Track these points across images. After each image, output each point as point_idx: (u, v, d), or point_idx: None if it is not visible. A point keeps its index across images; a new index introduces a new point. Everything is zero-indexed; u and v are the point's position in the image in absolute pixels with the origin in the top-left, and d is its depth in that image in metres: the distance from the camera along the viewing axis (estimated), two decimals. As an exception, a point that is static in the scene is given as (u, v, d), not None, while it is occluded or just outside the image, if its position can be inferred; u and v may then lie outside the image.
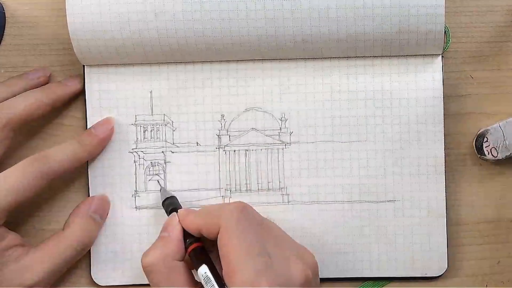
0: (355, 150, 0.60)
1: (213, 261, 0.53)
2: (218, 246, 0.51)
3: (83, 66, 0.60)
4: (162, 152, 0.61)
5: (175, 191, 0.60)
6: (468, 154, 0.61)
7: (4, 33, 0.61)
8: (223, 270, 0.50)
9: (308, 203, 0.60)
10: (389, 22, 0.56)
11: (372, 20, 0.56)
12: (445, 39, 0.60)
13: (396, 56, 0.60)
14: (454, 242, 0.61)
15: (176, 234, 0.55)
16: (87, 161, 0.60)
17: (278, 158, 0.60)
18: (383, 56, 0.60)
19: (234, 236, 0.51)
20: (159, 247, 0.54)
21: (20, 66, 0.61)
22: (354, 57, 0.60)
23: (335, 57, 0.60)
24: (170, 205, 0.58)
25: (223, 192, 0.60)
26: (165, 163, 0.61)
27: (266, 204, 0.60)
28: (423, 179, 0.60)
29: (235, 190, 0.60)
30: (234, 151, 0.61)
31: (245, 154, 0.61)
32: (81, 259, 0.61)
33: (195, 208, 0.58)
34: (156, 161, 0.61)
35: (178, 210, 0.56)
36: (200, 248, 0.54)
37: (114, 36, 0.57)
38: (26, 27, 0.61)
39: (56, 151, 0.57)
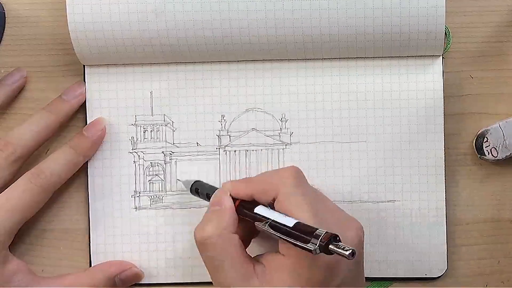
0: (355, 151, 0.60)
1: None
2: (276, 209, 0.52)
3: (83, 66, 0.60)
4: (162, 152, 0.61)
5: (175, 191, 0.61)
6: (468, 154, 0.61)
7: (4, 33, 0.61)
8: None
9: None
10: (389, 23, 0.56)
11: (372, 21, 0.56)
12: (446, 40, 0.60)
13: (396, 57, 0.60)
14: (454, 242, 0.61)
15: (228, 205, 0.53)
16: (87, 161, 0.60)
17: (278, 159, 0.60)
18: (383, 57, 0.60)
19: (294, 200, 0.51)
20: (214, 220, 0.53)
21: (20, 66, 0.61)
22: (354, 57, 0.60)
23: (336, 58, 0.60)
24: (203, 187, 0.58)
25: (223, 192, 0.61)
26: (165, 163, 0.61)
27: (266, 204, 0.60)
28: (423, 179, 0.60)
29: (236, 191, 0.60)
30: (235, 151, 0.61)
31: (246, 154, 0.61)
32: (81, 259, 0.61)
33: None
34: (156, 161, 0.61)
35: (222, 184, 0.56)
36: (245, 201, 0.54)
37: (114, 36, 0.57)
38: (26, 27, 0.61)
39: (51, 163, 0.57)
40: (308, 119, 0.60)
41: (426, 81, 0.60)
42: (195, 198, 0.60)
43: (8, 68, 0.61)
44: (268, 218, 0.51)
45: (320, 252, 0.46)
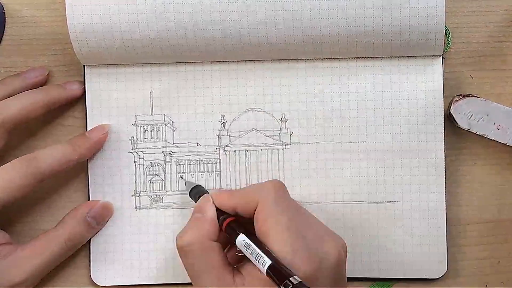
0: (355, 151, 0.60)
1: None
2: (255, 222, 0.52)
3: (83, 66, 0.60)
4: (162, 152, 0.61)
5: (175, 191, 0.61)
6: (468, 154, 0.61)
7: (4, 33, 0.61)
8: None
9: (308, 203, 0.60)
10: (389, 24, 0.56)
11: (372, 21, 0.56)
12: (446, 40, 0.60)
13: (396, 57, 0.60)
14: (454, 242, 0.61)
15: (210, 214, 0.54)
16: (87, 161, 0.60)
17: (278, 159, 0.60)
18: (383, 57, 0.60)
19: (273, 214, 0.51)
20: (195, 228, 0.53)
21: (20, 66, 0.61)
22: (354, 58, 0.60)
23: (336, 58, 0.60)
24: (198, 193, 0.58)
25: (223, 193, 0.61)
26: (165, 163, 0.61)
27: (266, 204, 0.60)
28: (423, 179, 0.60)
29: (235, 191, 0.61)
30: (235, 151, 0.61)
31: (246, 154, 0.61)
32: (81, 259, 0.61)
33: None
34: (156, 161, 0.61)
35: (211, 192, 0.56)
36: (235, 222, 0.53)
37: (114, 36, 0.57)
38: (26, 27, 0.61)
39: (47, 152, 0.57)
40: (308, 119, 0.60)
41: (426, 81, 0.60)
42: (195, 198, 0.60)
43: (8, 68, 0.61)
44: (247, 249, 0.51)
45: None
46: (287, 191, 0.54)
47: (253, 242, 0.51)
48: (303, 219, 0.53)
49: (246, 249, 0.51)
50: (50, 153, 0.57)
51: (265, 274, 0.49)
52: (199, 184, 0.60)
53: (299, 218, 0.53)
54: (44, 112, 0.59)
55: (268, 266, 0.49)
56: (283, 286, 0.47)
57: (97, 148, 0.60)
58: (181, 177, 0.61)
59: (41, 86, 0.61)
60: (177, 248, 0.53)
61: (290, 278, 0.47)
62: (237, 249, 0.52)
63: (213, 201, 0.55)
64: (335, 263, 0.51)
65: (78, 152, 0.58)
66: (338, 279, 0.52)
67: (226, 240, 0.54)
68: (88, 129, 0.60)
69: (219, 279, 0.51)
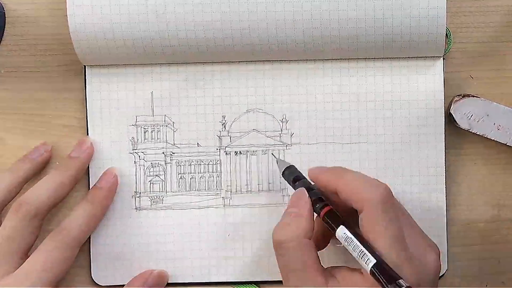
0: (356, 151, 0.60)
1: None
2: (360, 225, 0.51)
3: (84, 66, 0.60)
4: (163, 153, 0.61)
5: (175, 192, 0.61)
6: (468, 154, 0.61)
7: (4, 33, 0.61)
8: None
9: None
10: (390, 25, 0.56)
11: (373, 22, 0.56)
12: (447, 41, 0.60)
13: (397, 58, 0.60)
14: (454, 242, 0.61)
15: (307, 210, 0.53)
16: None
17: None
18: (384, 58, 0.60)
19: (380, 224, 0.50)
20: (292, 224, 0.52)
21: (20, 66, 0.61)
22: (355, 58, 0.60)
23: (337, 59, 0.60)
24: (291, 174, 0.57)
25: (223, 193, 0.61)
26: (165, 164, 0.61)
27: (267, 205, 0.60)
28: (424, 180, 0.60)
29: (236, 191, 0.61)
30: (235, 152, 0.61)
31: (246, 155, 0.61)
32: (81, 259, 0.61)
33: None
34: (157, 162, 0.61)
35: (308, 169, 0.55)
36: (332, 212, 0.53)
37: (115, 36, 0.57)
38: (26, 27, 0.61)
39: (73, 220, 0.57)
40: (309, 120, 0.60)
41: (427, 82, 0.60)
42: (196, 198, 0.60)
43: (8, 68, 0.61)
44: (348, 243, 0.50)
45: None
46: (393, 196, 0.53)
47: (354, 235, 0.50)
48: (408, 228, 0.53)
49: (348, 243, 0.50)
50: (75, 218, 0.57)
51: (368, 272, 0.48)
52: (292, 164, 0.58)
53: (405, 227, 0.52)
54: (72, 189, 0.59)
55: (374, 265, 0.48)
56: (395, 285, 0.46)
57: (113, 193, 0.60)
58: (273, 155, 0.60)
59: (48, 161, 0.61)
60: (274, 243, 0.52)
61: (400, 281, 0.46)
62: (336, 242, 0.51)
63: (309, 194, 0.54)
64: (434, 274, 0.52)
65: (100, 206, 0.59)
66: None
67: (320, 236, 0.54)
68: (88, 129, 0.60)
69: (311, 280, 0.50)
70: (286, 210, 0.54)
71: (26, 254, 0.56)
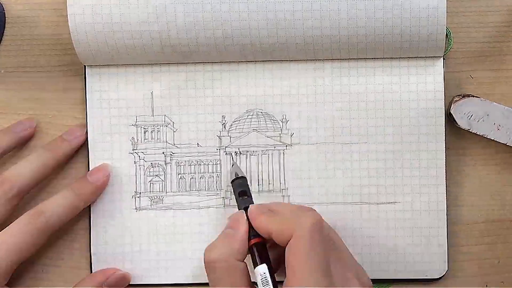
0: (356, 152, 0.60)
1: (270, 260, 0.53)
2: (286, 252, 0.50)
3: (84, 66, 0.60)
4: (163, 153, 0.61)
5: (175, 192, 0.61)
6: (468, 154, 0.61)
7: (4, 33, 0.61)
8: (286, 278, 0.49)
9: (309, 204, 0.60)
10: (390, 25, 0.56)
11: (373, 22, 0.56)
12: (447, 41, 0.60)
13: (397, 58, 0.60)
14: (454, 242, 0.61)
15: (242, 233, 0.53)
16: (88, 162, 0.60)
17: (279, 160, 0.60)
18: (384, 58, 0.60)
19: (304, 251, 0.49)
20: (224, 245, 0.53)
21: (20, 66, 0.61)
22: (355, 58, 0.60)
23: (337, 59, 0.60)
24: (240, 186, 0.57)
25: (223, 194, 0.61)
26: (165, 164, 0.61)
27: (267, 205, 0.60)
28: (424, 180, 0.60)
29: (236, 192, 0.61)
30: (235, 152, 0.61)
31: (246, 155, 0.61)
32: (81, 259, 0.61)
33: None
34: (157, 162, 0.61)
35: (249, 207, 0.55)
36: (262, 245, 0.53)
37: (115, 36, 0.57)
38: (26, 27, 0.61)
39: (52, 204, 0.57)
40: (309, 120, 0.60)
41: (427, 82, 0.60)
42: (195, 199, 0.60)
43: (8, 68, 0.61)
44: (263, 285, 0.51)
45: None
46: (325, 224, 0.53)
47: (271, 279, 0.51)
48: (333, 254, 0.52)
49: (263, 284, 0.51)
50: (55, 205, 0.57)
51: None
52: (245, 177, 0.58)
53: (330, 253, 0.51)
54: (55, 170, 0.59)
55: None
56: None
57: (100, 191, 0.60)
58: (232, 159, 0.60)
59: (30, 138, 0.61)
60: (204, 261, 0.52)
61: None
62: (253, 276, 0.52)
63: (247, 218, 0.54)
64: None
65: (83, 199, 0.58)
66: None
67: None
68: (88, 129, 0.60)
69: None
70: (223, 230, 0.54)
71: None
